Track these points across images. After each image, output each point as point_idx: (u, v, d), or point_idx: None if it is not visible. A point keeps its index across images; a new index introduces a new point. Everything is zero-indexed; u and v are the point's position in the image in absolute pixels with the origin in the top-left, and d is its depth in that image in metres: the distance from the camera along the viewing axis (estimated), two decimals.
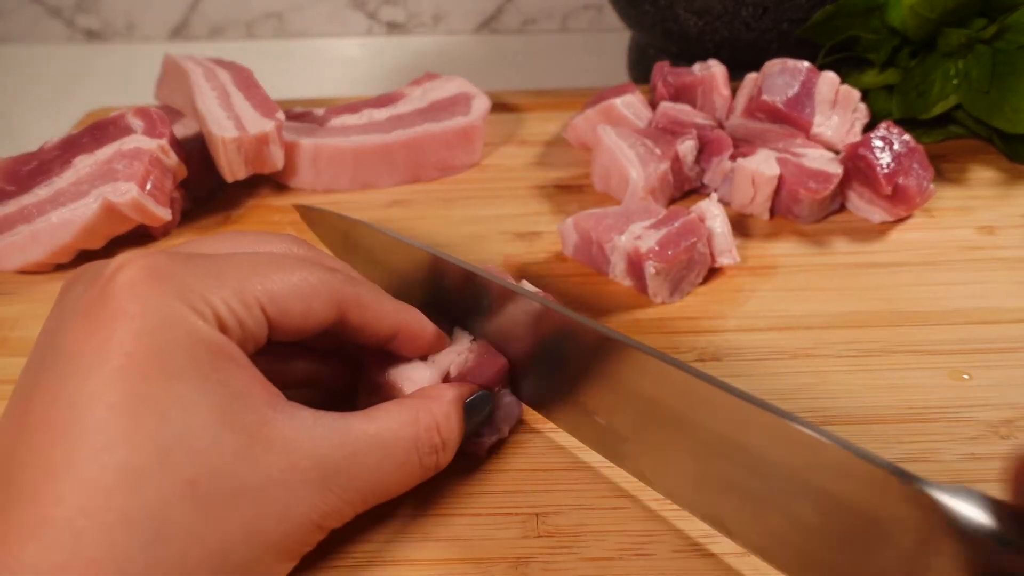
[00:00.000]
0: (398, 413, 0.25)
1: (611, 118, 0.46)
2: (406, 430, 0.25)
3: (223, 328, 0.22)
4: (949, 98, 0.44)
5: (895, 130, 0.40)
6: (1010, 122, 0.42)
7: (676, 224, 0.36)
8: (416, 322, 0.28)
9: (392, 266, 0.33)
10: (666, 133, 0.44)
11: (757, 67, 0.46)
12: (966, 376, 0.32)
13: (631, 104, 0.46)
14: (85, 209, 0.37)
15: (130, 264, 0.22)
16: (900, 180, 0.39)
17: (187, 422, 0.21)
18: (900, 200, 0.40)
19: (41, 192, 0.39)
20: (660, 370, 0.25)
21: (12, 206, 0.38)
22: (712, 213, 0.37)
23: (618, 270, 0.37)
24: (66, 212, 0.37)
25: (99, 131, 0.40)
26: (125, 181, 0.37)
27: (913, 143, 0.40)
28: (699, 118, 0.45)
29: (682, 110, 0.45)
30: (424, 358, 0.29)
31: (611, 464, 0.29)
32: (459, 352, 0.29)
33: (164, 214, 0.39)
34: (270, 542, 0.22)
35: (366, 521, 0.27)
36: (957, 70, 0.44)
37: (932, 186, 0.40)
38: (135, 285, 0.21)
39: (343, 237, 0.37)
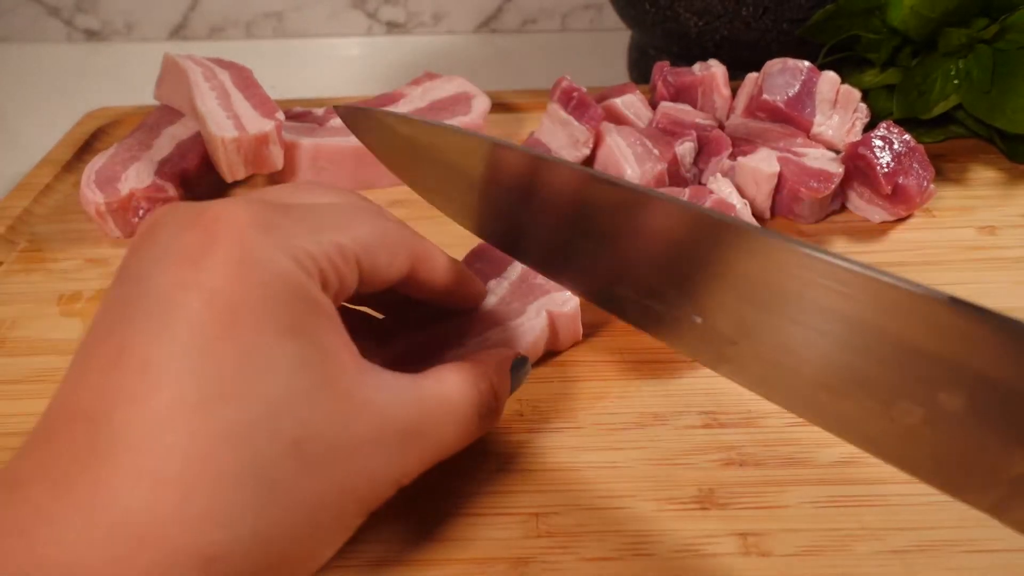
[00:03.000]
0: (462, 375, 0.25)
1: (611, 118, 0.46)
2: (470, 391, 0.25)
3: (324, 281, 0.22)
4: (950, 98, 0.44)
5: (895, 130, 0.40)
6: (1011, 122, 0.42)
7: (708, 202, 0.37)
8: (468, 279, 0.29)
9: (466, 167, 0.30)
10: (666, 133, 0.44)
11: (757, 67, 0.46)
12: None
13: (631, 104, 0.46)
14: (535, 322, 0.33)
15: (231, 209, 0.21)
16: (900, 180, 0.39)
17: (291, 382, 0.20)
18: (900, 200, 0.40)
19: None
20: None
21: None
22: (726, 191, 0.38)
23: None
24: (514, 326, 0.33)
25: None
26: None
27: (913, 143, 0.40)
28: (699, 118, 0.45)
29: (682, 110, 0.45)
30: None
31: (612, 464, 0.29)
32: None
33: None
34: (358, 499, 0.22)
35: (366, 521, 0.27)
36: (958, 70, 0.44)
37: (932, 186, 0.40)
38: (239, 231, 0.21)
39: (403, 142, 0.33)
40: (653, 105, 0.48)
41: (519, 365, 0.29)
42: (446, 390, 0.25)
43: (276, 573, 0.20)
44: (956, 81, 0.44)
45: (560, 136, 0.43)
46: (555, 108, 0.43)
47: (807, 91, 0.43)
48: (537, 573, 0.25)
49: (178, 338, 0.19)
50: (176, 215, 0.22)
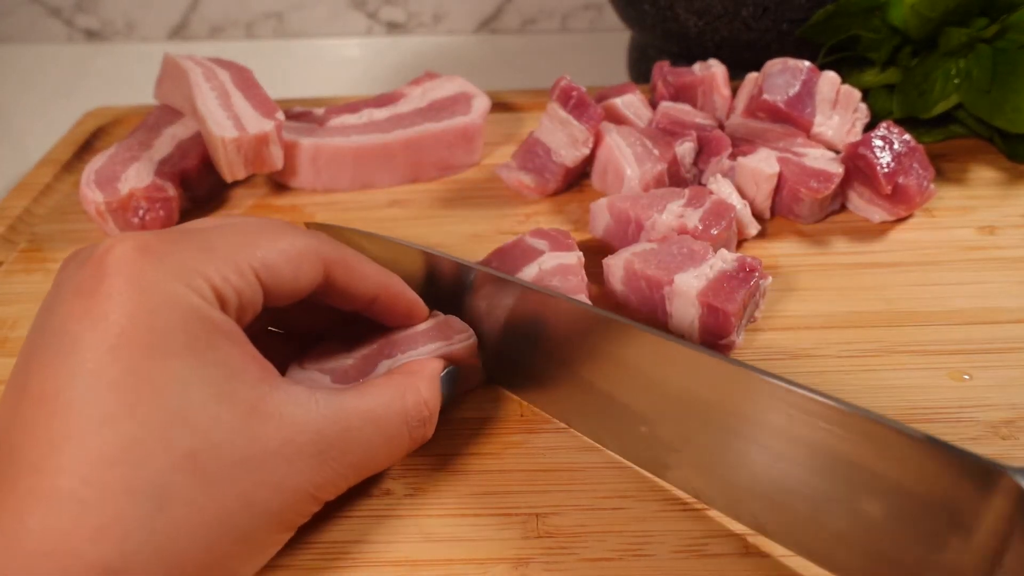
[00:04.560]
0: (387, 389, 0.26)
1: (612, 118, 0.46)
2: (396, 404, 0.26)
3: (221, 301, 0.23)
4: (950, 97, 0.44)
5: (895, 129, 0.40)
6: (1011, 122, 0.42)
7: (708, 202, 0.37)
8: (396, 286, 0.29)
9: (400, 269, 0.33)
10: (666, 133, 0.44)
11: (757, 67, 0.46)
12: (966, 376, 0.32)
13: (631, 104, 0.46)
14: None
15: (121, 243, 0.22)
16: (900, 179, 0.39)
17: (185, 397, 0.21)
18: (900, 200, 0.40)
19: None
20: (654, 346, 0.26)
21: None
22: (726, 191, 0.38)
23: None
24: None
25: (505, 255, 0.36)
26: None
27: (913, 143, 0.40)
28: (699, 118, 0.45)
29: (682, 110, 0.45)
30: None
31: (612, 464, 0.29)
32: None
33: None
34: (268, 512, 0.22)
35: (366, 521, 0.27)
36: (958, 69, 0.44)
37: (932, 186, 0.40)
38: (127, 263, 0.22)
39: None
40: (653, 105, 0.48)
41: (449, 378, 0.29)
42: (370, 404, 0.25)
43: None
44: (956, 81, 0.44)
45: (559, 135, 0.43)
46: (554, 107, 0.43)
47: (807, 91, 0.43)
48: (537, 573, 0.25)
49: (73, 366, 0.21)
50: (75, 256, 0.24)
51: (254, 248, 0.24)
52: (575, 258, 0.35)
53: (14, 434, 0.21)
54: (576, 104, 0.43)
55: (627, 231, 0.38)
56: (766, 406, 0.23)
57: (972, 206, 0.42)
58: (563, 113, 0.43)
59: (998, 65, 0.43)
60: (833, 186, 0.40)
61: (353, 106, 0.48)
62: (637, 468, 0.29)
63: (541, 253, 0.35)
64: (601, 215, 0.40)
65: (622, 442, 0.29)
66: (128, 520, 0.20)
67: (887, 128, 0.40)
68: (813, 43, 0.49)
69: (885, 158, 0.39)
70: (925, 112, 0.44)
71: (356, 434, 0.24)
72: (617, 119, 0.46)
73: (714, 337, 0.33)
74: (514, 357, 0.31)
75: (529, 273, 0.34)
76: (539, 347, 0.29)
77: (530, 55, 0.72)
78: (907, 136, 0.40)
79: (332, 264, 0.26)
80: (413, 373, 0.27)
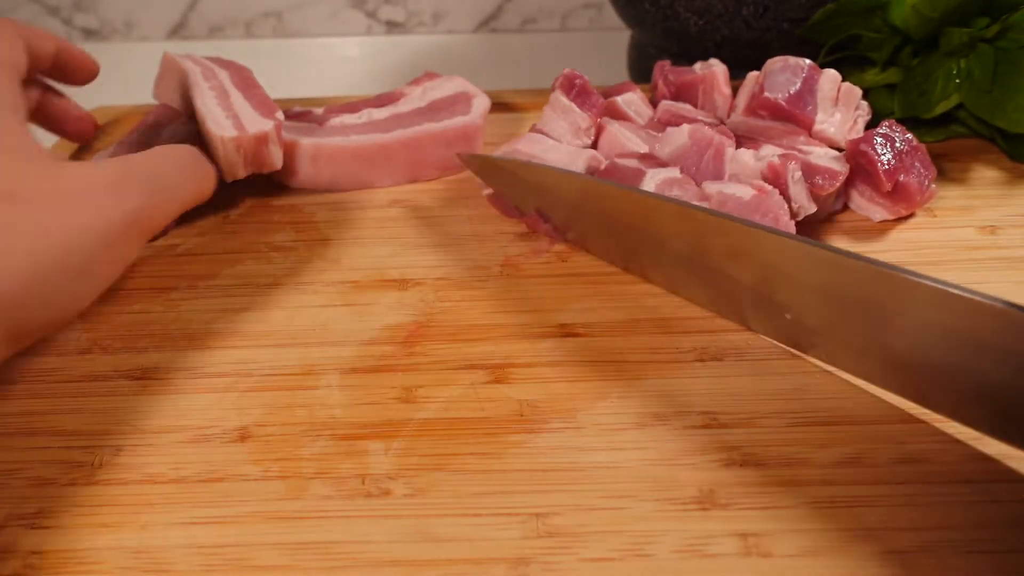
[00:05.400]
0: (170, 147, 0.34)
1: (612, 116, 0.46)
2: (180, 149, 0.34)
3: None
4: (951, 97, 0.44)
5: (897, 128, 0.40)
6: (1012, 121, 0.42)
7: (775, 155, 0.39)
8: (67, 41, 0.39)
9: (557, 194, 0.38)
10: (662, 125, 0.44)
11: (758, 66, 0.46)
12: None
13: (632, 102, 0.46)
14: None
15: None
16: (901, 177, 0.39)
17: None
18: (901, 198, 0.39)
19: None
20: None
21: None
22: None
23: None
24: None
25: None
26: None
27: (915, 141, 0.40)
28: (701, 116, 0.45)
29: (684, 108, 0.45)
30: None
31: (612, 464, 0.29)
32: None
33: None
34: (95, 238, 0.27)
35: (366, 521, 0.27)
36: (959, 69, 0.44)
37: (934, 186, 0.40)
38: None
39: (514, 181, 0.40)
40: (654, 104, 0.47)
41: None
42: (164, 150, 0.33)
43: (33, 297, 0.25)
44: (957, 80, 0.44)
45: (562, 124, 0.43)
46: (557, 96, 0.44)
47: (808, 89, 0.43)
48: (537, 573, 0.25)
49: None
50: None
51: (16, 25, 0.35)
52: (676, 171, 0.38)
53: None
54: (579, 92, 0.43)
55: (703, 156, 0.40)
56: (906, 300, 0.27)
57: (973, 206, 0.42)
58: (566, 101, 0.43)
59: (999, 65, 0.43)
60: (839, 183, 0.39)
61: (353, 106, 0.48)
62: (638, 467, 0.29)
63: (643, 172, 0.38)
64: (678, 137, 0.40)
65: (768, 325, 0.33)
66: None
67: (889, 126, 0.40)
68: (814, 42, 0.49)
69: (886, 155, 0.39)
70: (926, 112, 0.44)
71: (157, 162, 0.31)
72: (618, 117, 0.46)
73: None
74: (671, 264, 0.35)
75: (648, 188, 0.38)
76: (694, 261, 0.34)
77: (530, 54, 0.72)
78: (909, 135, 0.40)
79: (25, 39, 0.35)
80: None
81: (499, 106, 0.52)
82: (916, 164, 0.40)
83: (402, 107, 0.47)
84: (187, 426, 0.31)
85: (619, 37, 0.69)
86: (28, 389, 0.33)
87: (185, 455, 0.30)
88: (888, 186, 0.39)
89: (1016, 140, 0.44)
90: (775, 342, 0.34)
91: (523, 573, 0.25)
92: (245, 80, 0.45)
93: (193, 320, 0.37)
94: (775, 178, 0.38)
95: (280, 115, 0.43)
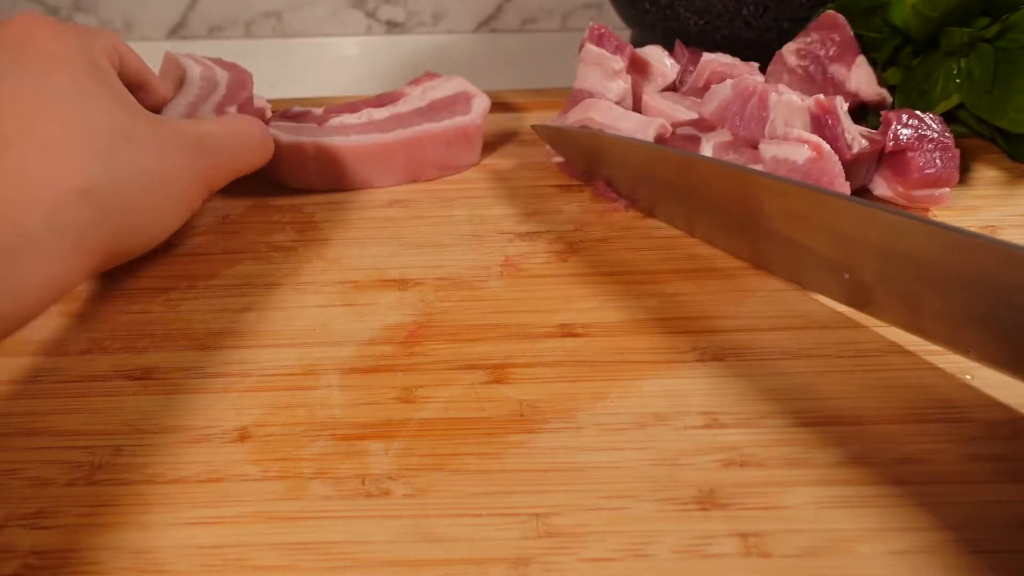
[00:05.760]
0: (236, 115, 0.41)
1: (636, 67, 0.47)
2: (251, 122, 0.40)
3: (109, 59, 0.35)
4: (951, 97, 0.44)
5: (940, 123, 0.40)
6: (1013, 122, 0.42)
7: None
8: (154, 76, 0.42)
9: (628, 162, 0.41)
10: (707, 90, 0.44)
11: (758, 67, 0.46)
12: (967, 376, 0.32)
13: (654, 52, 0.48)
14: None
15: (37, 19, 0.33)
16: (929, 171, 0.39)
17: (116, 100, 0.33)
18: (927, 200, 0.40)
19: None
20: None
21: None
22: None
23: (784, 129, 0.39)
24: None
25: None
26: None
27: (952, 143, 0.40)
28: (747, 72, 0.46)
29: (725, 59, 0.46)
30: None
31: (612, 464, 0.29)
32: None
33: None
34: (177, 180, 0.34)
35: (366, 521, 0.27)
36: (960, 69, 0.44)
37: (948, 191, 0.40)
38: (54, 27, 0.33)
39: (584, 149, 0.43)
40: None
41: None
42: (229, 120, 0.39)
43: (132, 217, 0.32)
44: (958, 80, 0.44)
45: (596, 74, 0.45)
46: (588, 48, 0.46)
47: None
48: (537, 573, 0.25)
49: (30, 84, 0.31)
50: None
51: (113, 36, 0.37)
52: (727, 135, 0.40)
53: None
54: (605, 39, 0.46)
55: (747, 105, 0.40)
56: (964, 259, 0.27)
57: (974, 206, 0.42)
58: (596, 49, 0.45)
59: (1000, 65, 0.43)
60: (870, 149, 0.39)
61: (352, 106, 0.48)
62: (638, 467, 0.29)
63: (699, 138, 0.40)
64: (721, 91, 0.41)
65: (824, 284, 0.35)
66: (92, 164, 0.30)
67: (933, 118, 0.40)
68: None
69: (925, 146, 0.39)
70: (926, 111, 0.44)
71: (226, 132, 0.38)
72: (641, 67, 0.47)
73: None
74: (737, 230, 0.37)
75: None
76: (753, 222, 0.35)
77: (530, 54, 0.71)
78: (948, 133, 0.40)
79: (120, 51, 0.37)
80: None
81: (499, 106, 0.52)
82: (949, 166, 0.39)
83: (402, 107, 0.47)
84: (187, 426, 0.31)
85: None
86: (28, 389, 0.33)
87: (185, 455, 0.30)
88: (915, 176, 0.39)
89: (1016, 140, 0.44)
90: (775, 343, 0.34)
91: (523, 573, 0.25)
92: (240, 82, 0.45)
93: (193, 320, 0.37)
94: (823, 114, 0.38)
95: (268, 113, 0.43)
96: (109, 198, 0.30)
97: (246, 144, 0.39)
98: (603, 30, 0.46)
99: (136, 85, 0.38)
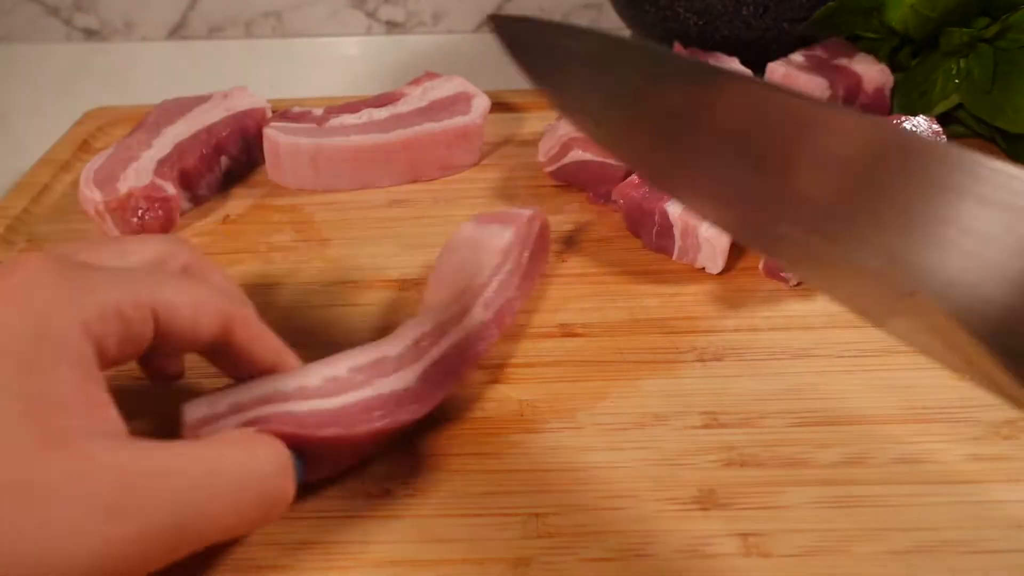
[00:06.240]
0: (235, 440, 0.24)
1: None
2: (244, 457, 0.23)
3: (102, 329, 0.22)
4: (951, 97, 0.44)
5: (936, 125, 0.40)
6: (1012, 122, 0.42)
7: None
8: (292, 363, 0.27)
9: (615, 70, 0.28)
10: None
11: (758, 66, 0.46)
12: (967, 376, 0.32)
13: None
14: None
15: (29, 263, 0.23)
16: None
17: (17, 424, 0.20)
18: None
19: None
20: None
21: None
22: None
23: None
24: None
25: None
26: None
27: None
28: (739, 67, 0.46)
29: (721, 58, 0.47)
30: None
31: (612, 464, 0.29)
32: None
33: None
34: (66, 561, 0.20)
35: (366, 521, 0.27)
36: (959, 69, 0.44)
37: None
38: (27, 275, 0.22)
39: (547, 46, 0.30)
40: None
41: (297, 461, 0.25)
42: (205, 452, 0.23)
43: None
44: (957, 80, 0.44)
45: None
46: None
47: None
48: (537, 573, 0.25)
49: None
50: None
51: (161, 286, 0.24)
52: None
53: None
54: None
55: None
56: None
57: None
58: None
59: (999, 65, 0.43)
60: None
61: (353, 106, 0.48)
62: (638, 467, 0.29)
63: None
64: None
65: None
66: None
67: (923, 121, 0.40)
68: (813, 42, 0.49)
69: None
70: (926, 112, 0.44)
71: (176, 482, 0.21)
72: None
73: None
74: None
75: None
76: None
77: None
78: (943, 137, 0.40)
79: (233, 321, 0.26)
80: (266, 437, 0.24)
81: (499, 106, 0.52)
82: None
83: (402, 107, 0.47)
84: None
85: None
86: None
87: None
88: None
89: (1016, 140, 0.44)
90: (775, 343, 0.34)
91: (523, 573, 0.25)
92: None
93: None
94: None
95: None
96: None
97: (229, 499, 0.23)
98: None
99: (212, 351, 0.26)
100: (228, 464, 0.23)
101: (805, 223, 0.23)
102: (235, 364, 0.27)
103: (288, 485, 0.24)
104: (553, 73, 0.29)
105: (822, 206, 0.23)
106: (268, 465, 0.23)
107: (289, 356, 0.28)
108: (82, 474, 0.20)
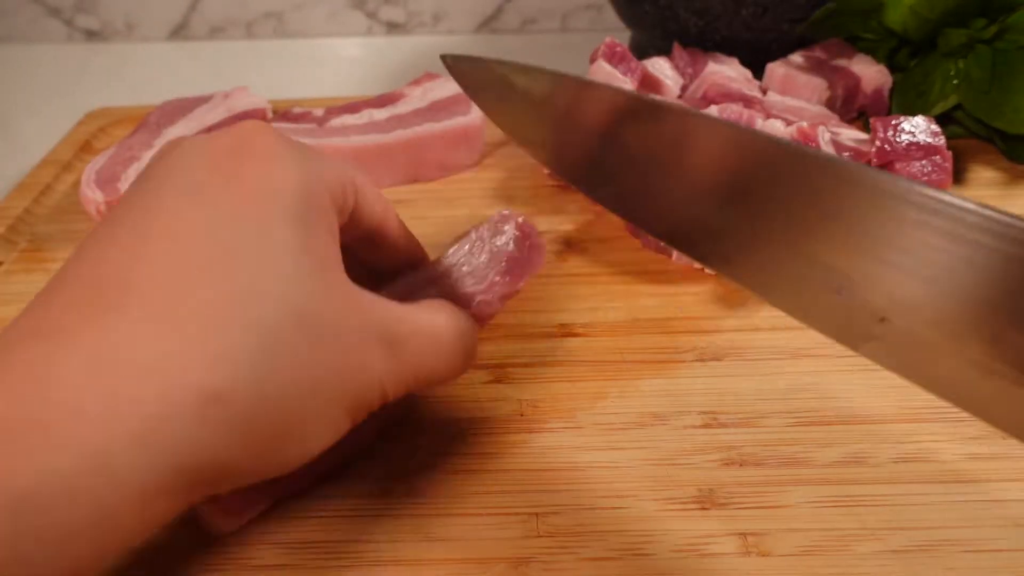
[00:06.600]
0: (448, 310, 0.27)
1: (646, 83, 0.47)
2: (456, 325, 0.27)
3: (336, 198, 0.25)
4: (949, 98, 0.44)
5: (932, 125, 0.40)
6: (1010, 122, 0.42)
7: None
8: (396, 216, 0.30)
9: (557, 103, 0.32)
10: (705, 102, 0.44)
11: (757, 67, 0.46)
12: None
13: (660, 66, 0.47)
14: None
15: (262, 130, 0.24)
16: (914, 171, 0.39)
17: (300, 264, 0.22)
18: None
19: None
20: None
21: None
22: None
23: None
24: None
25: None
26: None
27: (944, 145, 0.39)
28: (745, 88, 0.45)
29: (727, 76, 0.46)
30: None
31: (612, 464, 0.29)
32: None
33: None
34: (349, 388, 0.23)
35: (366, 521, 0.27)
36: (957, 70, 0.44)
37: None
38: (272, 144, 0.24)
39: (498, 83, 0.35)
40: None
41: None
42: (435, 318, 0.26)
43: (266, 441, 0.21)
44: (955, 81, 0.44)
45: None
46: (600, 64, 0.45)
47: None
48: (537, 573, 0.25)
49: (206, 212, 0.22)
50: (192, 141, 0.25)
51: (353, 168, 0.27)
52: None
53: (123, 264, 0.21)
54: (620, 59, 0.45)
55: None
56: None
57: None
58: (607, 67, 0.45)
59: (997, 66, 0.43)
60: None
61: (353, 106, 0.48)
62: (638, 467, 0.29)
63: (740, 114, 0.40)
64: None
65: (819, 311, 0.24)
66: (238, 353, 0.20)
67: (921, 121, 0.40)
68: (812, 42, 0.49)
69: (914, 154, 0.39)
70: (924, 112, 0.44)
71: (419, 339, 0.25)
72: (651, 83, 0.47)
73: None
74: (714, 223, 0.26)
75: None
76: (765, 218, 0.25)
77: (530, 55, 0.72)
78: (941, 136, 0.39)
79: (389, 210, 0.29)
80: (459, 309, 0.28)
81: None
82: (940, 171, 0.39)
83: (402, 108, 0.48)
84: None
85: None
86: None
87: None
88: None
89: (1014, 141, 0.44)
90: (774, 343, 0.34)
91: (523, 573, 0.25)
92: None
93: None
94: (806, 141, 0.38)
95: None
96: (240, 409, 0.20)
97: (447, 348, 0.26)
98: (619, 48, 0.46)
99: (369, 236, 0.29)
100: (444, 318, 0.27)
101: (696, 219, 0.26)
102: (389, 251, 0.30)
103: (476, 339, 0.28)
104: (502, 109, 0.34)
105: (706, 207, 0.26)
106: (465, 322, 0.27)
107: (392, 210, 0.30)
108: (361, 310, 0.24)
